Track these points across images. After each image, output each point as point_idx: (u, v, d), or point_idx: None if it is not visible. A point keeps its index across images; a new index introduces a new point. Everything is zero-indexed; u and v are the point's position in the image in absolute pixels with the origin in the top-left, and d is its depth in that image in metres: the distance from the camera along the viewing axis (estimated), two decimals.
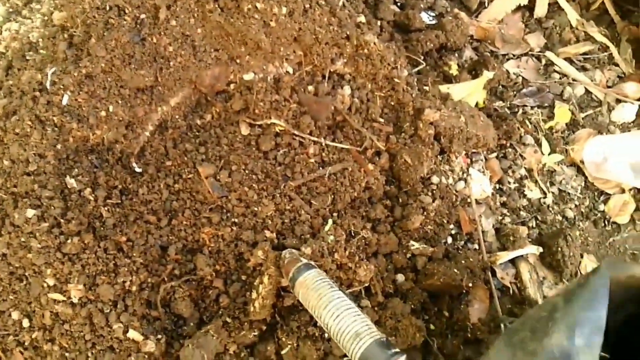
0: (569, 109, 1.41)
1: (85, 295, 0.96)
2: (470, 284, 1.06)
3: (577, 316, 0.67)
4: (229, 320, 0.99)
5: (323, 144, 1.16)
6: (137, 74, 1.09)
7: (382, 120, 1.24)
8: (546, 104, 1.43)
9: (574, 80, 1.49)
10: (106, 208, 1.03)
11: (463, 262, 1.08)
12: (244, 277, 1.04)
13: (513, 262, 1.13)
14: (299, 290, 0.92)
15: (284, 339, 0.99)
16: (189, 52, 1.13)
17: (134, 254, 1.01)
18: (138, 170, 1.10)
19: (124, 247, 1.01)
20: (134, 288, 0.99)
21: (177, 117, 1.16)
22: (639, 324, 0.78)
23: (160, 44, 1.11)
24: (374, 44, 1.23)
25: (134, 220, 1.05)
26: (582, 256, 1.15)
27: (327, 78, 1.22)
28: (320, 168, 1.14)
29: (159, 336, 0.96)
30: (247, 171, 1.11)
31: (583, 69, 1.53)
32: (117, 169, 1.09)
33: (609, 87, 1.50)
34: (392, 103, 1.26)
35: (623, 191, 1.28)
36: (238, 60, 1.16)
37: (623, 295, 0.71)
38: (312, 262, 0.97)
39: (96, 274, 0.97)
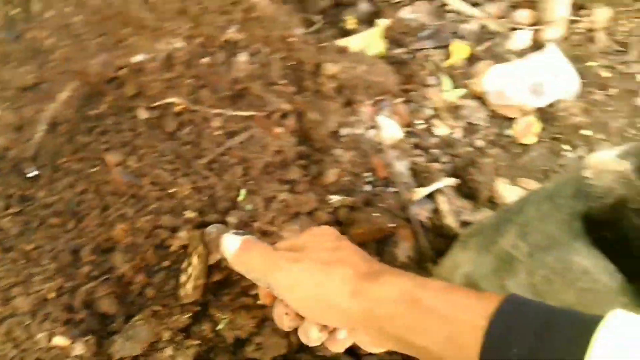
0: (467, 45, 1.44)
1: (0, 312, 0.91)
2: (394, 225, 1.08)
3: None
4: (158, 308, 0.96)
5: (226, 115, 1.14)
6: (18, 73, 1.03)
7: (283, 81, 1.22)
8: (444, 44, 1.46)
9: (468, 16, 1.52)
10: (7, 219, 0.98)
11: (383, 205, 1.10)
12: (167, 264, 1.02)
13: (431, 198, 1.16)
14: None
15: (218, 315, 0.97)
16: (71, 43, 1.07)
17: (45, 261, 0.96)
18: (34, 173, 1.05)
19: (33, 256, 0.97)
20: (51, 295, 0.94)
21: (69, 111, 1.11)
22: None
23: (38, 38, 1.05)
24: (264, 5, 1.21)
25: (38, 226, 1.00)
26: (494, 181, 1.19)
27: (221, 47, 1.19)
28: (228, 140, 1.12)
29: (87, 337, 0.92)
30: (156, 154, 1.08)
31: (476, 4, 1.56)
32: (12, 177, 1.03)
33: (502, 17, 1.55)
34: (291, 63, 1.24)
35: (526, 114, 1.33)
36: (124, 43, 1.12)
37: None
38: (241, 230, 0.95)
39: (9, 287, 0.92)
